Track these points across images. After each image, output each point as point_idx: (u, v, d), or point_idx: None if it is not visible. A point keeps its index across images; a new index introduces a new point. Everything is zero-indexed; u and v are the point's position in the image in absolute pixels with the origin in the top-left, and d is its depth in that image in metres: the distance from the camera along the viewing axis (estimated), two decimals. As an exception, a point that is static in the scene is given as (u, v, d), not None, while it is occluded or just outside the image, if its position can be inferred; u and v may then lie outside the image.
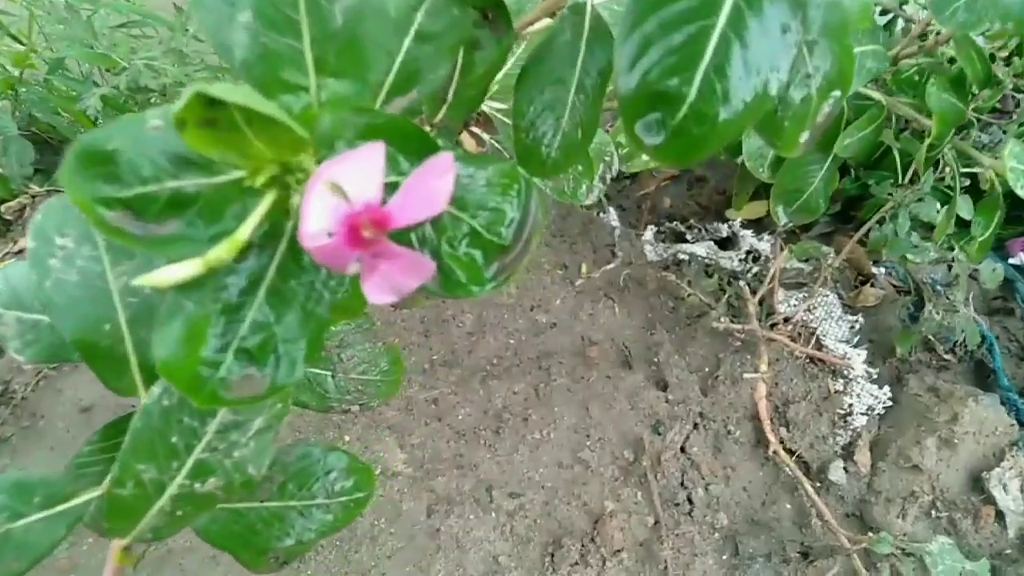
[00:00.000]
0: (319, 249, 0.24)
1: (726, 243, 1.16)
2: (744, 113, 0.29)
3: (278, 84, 0.29)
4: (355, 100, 0.30)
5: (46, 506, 0.37)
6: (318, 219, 0.24)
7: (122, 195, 0.27)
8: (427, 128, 0.47)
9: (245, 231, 0.27)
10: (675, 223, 1.17)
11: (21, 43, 1.21)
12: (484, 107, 0.63)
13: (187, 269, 0.27)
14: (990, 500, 0.80)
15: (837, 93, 0.39)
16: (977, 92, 0.68)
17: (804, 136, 0.39)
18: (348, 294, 0.30)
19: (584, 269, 1.07)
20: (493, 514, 0.81)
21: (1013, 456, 0.83)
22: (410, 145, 0.28)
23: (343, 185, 0.24)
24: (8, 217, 1.16)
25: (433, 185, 0.26)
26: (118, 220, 0.27)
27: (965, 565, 0.65)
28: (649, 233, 1.15)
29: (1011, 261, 1.10)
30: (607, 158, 0.66)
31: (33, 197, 1.17)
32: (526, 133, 0.42)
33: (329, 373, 0.53)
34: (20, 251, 1.08)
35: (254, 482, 0.36)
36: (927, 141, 0.70)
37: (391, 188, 0.26)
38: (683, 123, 0.29)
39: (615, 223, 1.15)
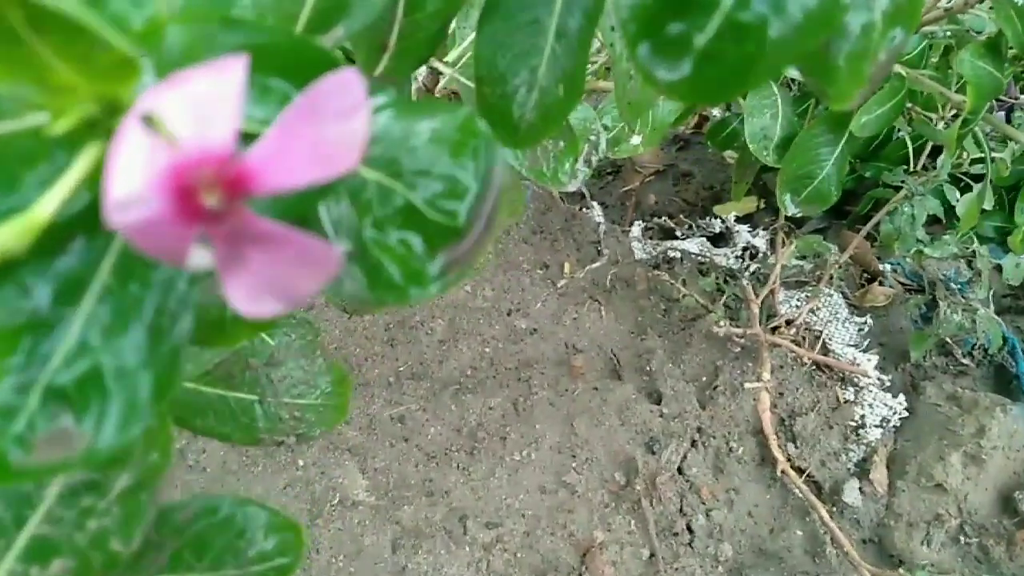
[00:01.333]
0: (135, 227, 0.14)
1: (719, 239, 1.07)
2: (805, 28, 0.19)
3: None
4: (224, 10, 0.21)
5: None
6: (129, 178, 0.14)
7: None
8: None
9: (50, 203, 0.18)
10: (663, 219, 1.09)
11: None
12: (452, 77, 0.53)
13: None
14: (1024, 523, 0.72)
15: (901, 31, 0.30)
16: (1019, 58, 0.60)
17: (860, 90, 0.30)
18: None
19: (567, 268, 0.98)
20: (467, 548, 0.71)
21: (1046, 471, 0.74)
22: (303, 71, 0.19)
23: (171, 122, 0.14)
24: None
25: (332, 123, 0.16)
26: None
27: None
28: (636, 229, 1.06)
29: None
30: (592, 136, 0.57)
31: None
32: (492, 87, 0.32)
33: (256, 398, 0.43)
34: None
35: (120, 560, 0.26)
36: (960, 119, 0.61)
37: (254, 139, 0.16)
38: (716, 42, 0.19)
39: (599, 219, 1.06)
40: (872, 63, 0.30)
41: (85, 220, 0.18)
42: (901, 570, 0.64)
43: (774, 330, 0.89)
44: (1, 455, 0.18)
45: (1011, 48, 0.58)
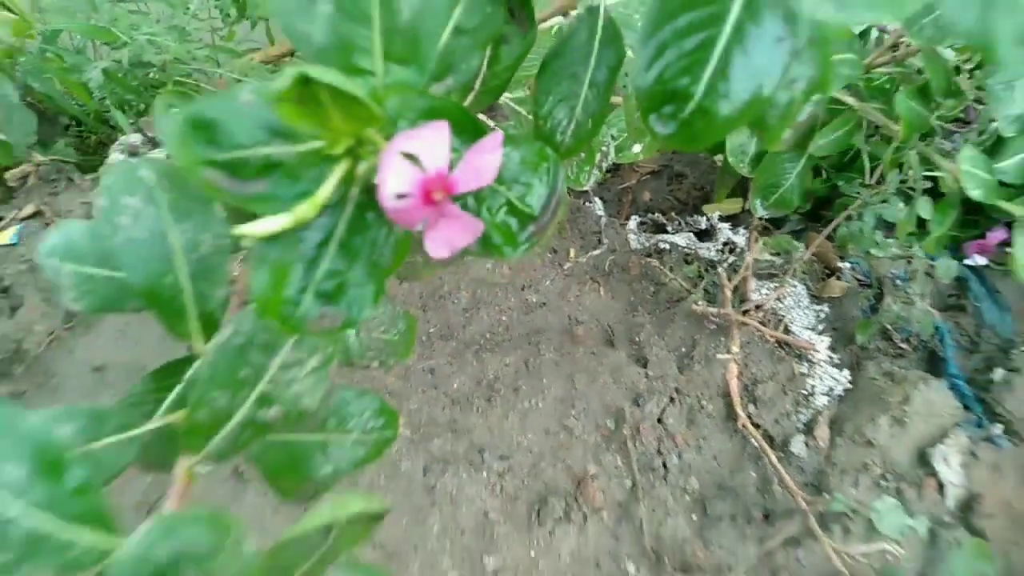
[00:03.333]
0: (397, 208, 0.29)
1: (704, 235, 1.22)
2: (742, 111, 0.34)
3: (350, 69, 0.33)
4: (414, 85, 0.35)
5: (119, 431, 0.41)
6: (397, 183, 0.28)
7: (221, 158, 0.31)
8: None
9: (325, 192, 0.32)
10: (656, 215, 1.23)
11: (11, 11, 1.22)
12: (506, 103, 0.67)
13: (278, 222, 0.32)
14: (933, 473, 0.87)
15: (817, 97, 0.45)
16: (941, 101, 0.74)
17: (787, 133, 0.45)
18: (402, 249, 0.35)
19: (572, 254, 1.13)
20: (484, 474, 0.86)
21: (955, 435, 0.90)
22: (462, 126, 0.33)
23: (418, 155, 0.29)
24: (12, 184, 1.18)
25: (487, 159, 0.31)
26: (216, 179, 0.31)
27: (907, 521, 0.71)
28: (633, 223, 1.21)
29: (966, 262, 1.17)
30: (604, 148, 0.71)
31: (37, 165, 1.19)
32: (544, 121, 0.47)
33: (353, 331, 0.57)
34: (28, 216, 1.11)
35: (306, 414, 0.41)
36: (894, 145, 0.76)
37: (451, 159, 0.31)
38: (690, 117, 0.34)
39: (601, 212, 1.21)
40: (793, 121, 0.45)
41: (333, 202, 0.33)
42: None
43: (745, 312, 1.04)
44: (296, 324, 0.32)
45: (936, 94, 0.72)
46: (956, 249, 1.16)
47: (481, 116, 0.72)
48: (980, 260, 1.12)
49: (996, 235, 0.97)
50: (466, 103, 0.49)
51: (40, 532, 0.31)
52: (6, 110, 1.14)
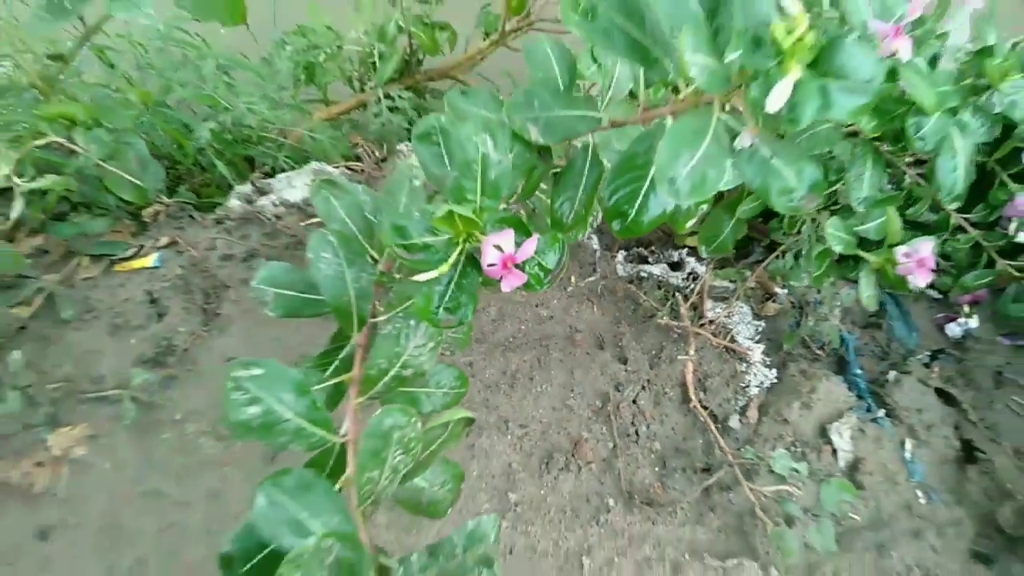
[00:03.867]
0: (491, 269, 0.64)
1: (675, 266, 1.57)
2: (657, 219, 0.69)
3: (463, 199, 0.68)
4: (494, 207, 0.70)
5: (320, 383, 0.76)
6: (490, 258, 0.63)
7: (404, 243, 0.66)
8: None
9: (452, 259, 0.67)
10: (640, 248, 1.58)
11: (130, 82, 1.56)
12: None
13: (430, 274, 0.66)
14: (829, 442, 1.21)
15: (704, 207, 0.80)
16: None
17: (690, 223, 0.80)
18: (486, 286, 0.69)
19: (573, 280, 1.47)
20: (508, 437, 1.20)
21: (848, 416, 1.24)
22: (519, 228, 0.68)
23: (501, 245, 0.64)
24: (146, 219, 1.53)
25: (530, 246, 0.66)
26: (401, 253, 0.66)
27: (792, 464, 1.05)
28: (620, 255, 1.56)
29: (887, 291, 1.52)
30: (595, 213, 1.06)
31: (166, 205, 1.53)
32: (557, 212, 0.81)
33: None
34: (164, 246, 1.45)
35: (423, 375, 0.75)
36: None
37: (516, 246, 0.65)
38: (631, 224, 0.69)
39: (596, 247, 1.56)
40: (693, 219, 0.81)
41: (453, 264, 0.68)
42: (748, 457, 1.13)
43: (701, 325, 1.38)
44: (436, 323, 0.67)
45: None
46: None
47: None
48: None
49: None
50: (513, 200, 0.84)
51: (300, 427, 0.65)
52: (141, 162, 1.48)
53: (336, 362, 0.83)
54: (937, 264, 1.01)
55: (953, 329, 1.49)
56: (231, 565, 0.57)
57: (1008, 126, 1.04)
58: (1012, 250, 1.19)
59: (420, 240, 0.67)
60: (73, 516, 1.07)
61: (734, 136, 0.58)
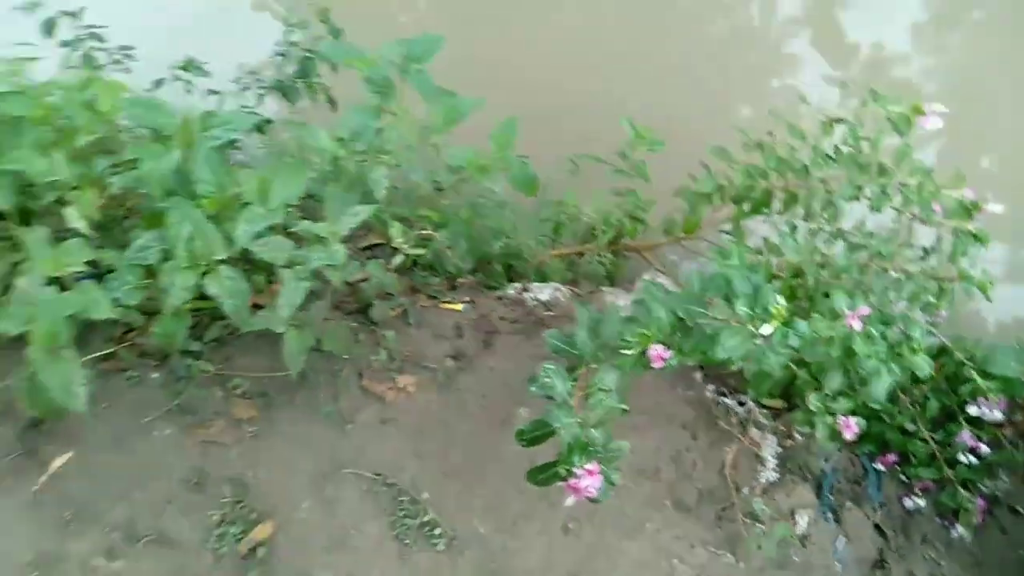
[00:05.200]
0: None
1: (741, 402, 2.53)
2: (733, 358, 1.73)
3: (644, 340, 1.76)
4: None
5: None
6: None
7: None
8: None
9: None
10: (721, 383, 2.56)
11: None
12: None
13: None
14: (794, 517, 2.12)
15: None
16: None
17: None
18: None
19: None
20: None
21: (811, 509, 2.14)
22: None
23: None
24: (457, 284, 2.68)
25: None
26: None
27: (771, 517, 1.98)
28: (711, 387, 2.54)
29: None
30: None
31: (469, 279, 2.69)
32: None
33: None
34: (467, 301, 2.59)
35: None
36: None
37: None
38: (707, 357, 1.74)
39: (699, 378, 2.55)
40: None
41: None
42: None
43: (744, 435, 2.34)
44: None
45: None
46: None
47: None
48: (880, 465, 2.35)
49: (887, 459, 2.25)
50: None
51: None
52: (462, 253, 2.66)
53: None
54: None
55: (907, 502, 2.34)
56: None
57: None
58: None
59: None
60: (402, 416, 2.17)
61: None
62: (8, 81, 2.04)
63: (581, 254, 2.89)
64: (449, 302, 2.49)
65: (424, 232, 2.49)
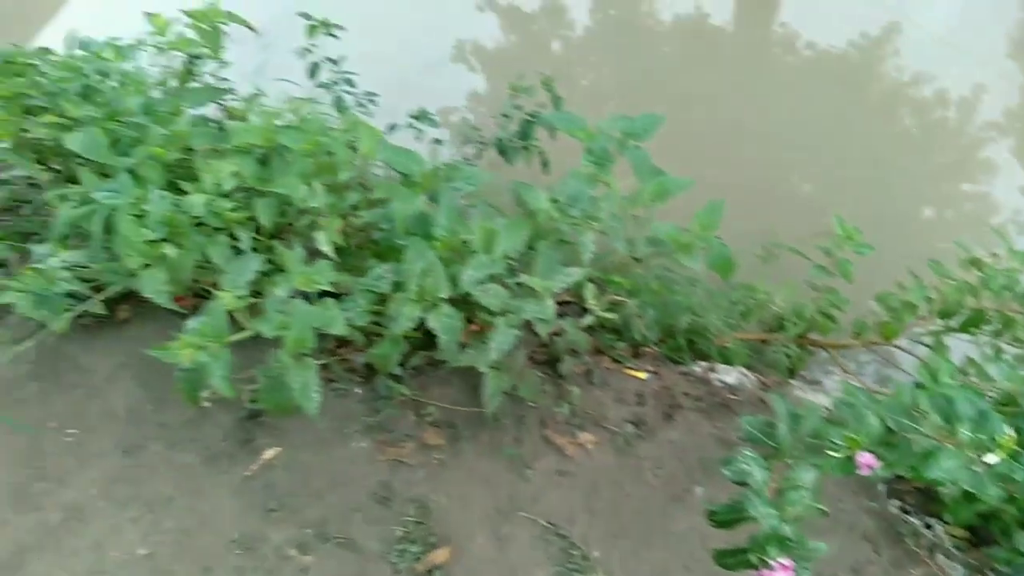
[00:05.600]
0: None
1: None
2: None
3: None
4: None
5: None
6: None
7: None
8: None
9: None
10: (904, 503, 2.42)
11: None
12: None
13: None
14: None
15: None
16: None
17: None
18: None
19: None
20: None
21: None
22: None
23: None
24: (642, 352, 2.73)
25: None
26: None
27: None
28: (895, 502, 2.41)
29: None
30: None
31: (653, 350, 2.73)
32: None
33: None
34: (651, 371, 2.64)
35: None
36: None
37: None
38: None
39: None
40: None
41: None
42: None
43: (932, 557, 2.19)
44: None
45: None
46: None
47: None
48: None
49: None
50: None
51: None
52: (649, 323, 2.71)
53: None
54: None
55: None
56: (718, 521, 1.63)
57: None
58: None
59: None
60: (579, 471, 2.23)
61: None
62: (287, 118, 2.36)
63: (765, 341, 2.86)
64: (633, 368, 2.54)
65: (616, 297, 2.57)
